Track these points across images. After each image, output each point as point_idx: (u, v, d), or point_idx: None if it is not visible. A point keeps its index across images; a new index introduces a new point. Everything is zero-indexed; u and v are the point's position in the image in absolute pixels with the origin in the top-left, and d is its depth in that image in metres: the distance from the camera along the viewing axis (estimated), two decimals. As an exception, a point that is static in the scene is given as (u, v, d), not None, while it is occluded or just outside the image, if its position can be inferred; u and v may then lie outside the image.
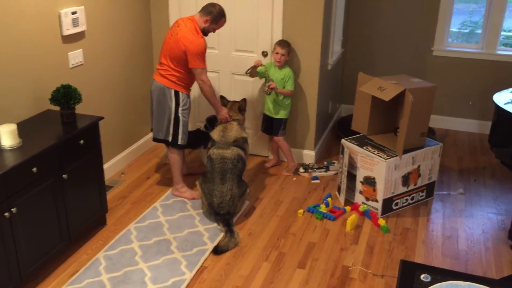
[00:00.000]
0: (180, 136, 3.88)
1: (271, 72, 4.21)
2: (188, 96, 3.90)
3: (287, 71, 4.22)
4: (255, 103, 4.60)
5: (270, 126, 4.40)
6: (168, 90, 3.79)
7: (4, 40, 3.07)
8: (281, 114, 4.32)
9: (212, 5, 3.76)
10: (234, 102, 4.08)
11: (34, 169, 2.83)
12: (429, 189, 4.07)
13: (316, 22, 4.19)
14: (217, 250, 3.38)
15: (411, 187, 3.92)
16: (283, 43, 4.16)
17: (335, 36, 4.76)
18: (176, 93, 3.80)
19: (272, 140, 4.55)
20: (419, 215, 3.89)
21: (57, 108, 3.32)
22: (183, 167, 4.14)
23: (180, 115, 3.84)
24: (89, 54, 3.86)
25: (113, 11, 4.08)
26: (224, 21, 3.83)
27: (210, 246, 3.42)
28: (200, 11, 3.78)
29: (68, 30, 3.56)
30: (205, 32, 3.79)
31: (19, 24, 3.17)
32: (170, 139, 3.88)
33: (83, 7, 3.69)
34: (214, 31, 3.85)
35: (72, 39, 3.65)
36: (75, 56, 3.71)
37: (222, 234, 3.54)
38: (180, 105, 3.82)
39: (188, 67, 3.71)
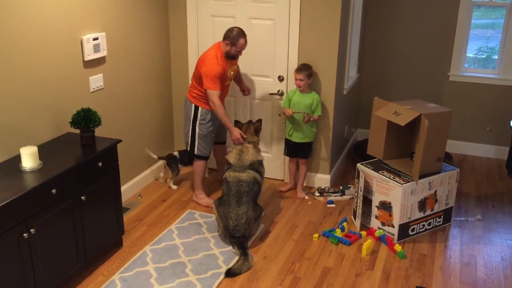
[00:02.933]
0: (196, 147, 4.15)
1: (296, 98, 4.23)
2: (211, 111, 4.05)
3: (314, 96, 4.24)
4: (271, 127, 4.64)
5: (295, 150, 4.41)
6: (190, 104, 4.11)
7: (28, 64, 3.18)
8: (309, 138, 4.35)
9: (230, 29, 3.92)
10: (249, 123, 4.11)
11: (54, 191, 2.89)
12: (446, 214, 4.02)
13: (332, 47, 4.24)
14: (229, 273, 3.38)
15: (428, 212, 3.88)
16: (299, 68, 4.20)
17: (350, 61, 4.81)
18: (196, 107, 4.07)
19: (291, 164, 4.55)
20: (436, 241, 3.85)
21: (77, 131, 3.39)
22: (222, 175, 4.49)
23: (197, 127, 4.10)
24: (109, 79, 3.96)
25: (133, 37, 4.19)
26: (244, 42, 3.93)
27: (225, 270, 3.42)
28: (223, 37, 3.95)
29: (90, 55, 3.67)
30: (230, 56, 3.97)
31: (43, 49, 3.28)
32: (189, 148, 4.20)
33: (104, 33, 3.80)
34: (238, 52, 3.98)
35: (93, 64, 3.75)
36: (96, 80, 3.81)
37: (237, 258, 3.54)
38: (198, 118, 4.08)
39: None
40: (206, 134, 4.13)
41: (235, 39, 3.88)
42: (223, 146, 4.54)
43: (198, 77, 3.99)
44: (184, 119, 4.29)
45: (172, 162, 4.54)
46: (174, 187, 4.60)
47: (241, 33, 3.90)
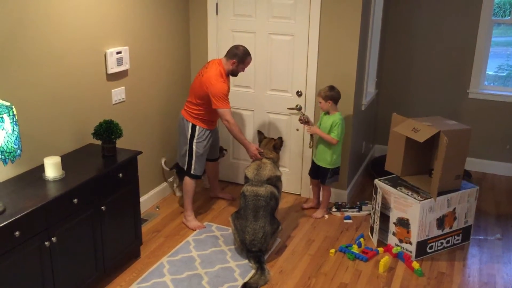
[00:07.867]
0: (193, 167, 4.08)
1: (323, 118, 4.22)
2: (208, 130, 4.06)
3: (335, 118, 4.11)
4: (289, 141, 4.65)
5: (316, 171, 4.37)
6: (187, 123, 4.04)
7: (53, 76, 3.26)
8: (324, 163, 4.24)
9: (236, 47, 3.94)
10: (270, 139, 4.13)
11: (75, 200, 2.94)
12: (465, 233, 3.98)
13: (351, 63, 4.26)
14: (246, 287, 3.37)
15: (447, 230, 3.85)
16: (318, 92, 4.19)
17: (369, 77, 4.82)
18: (193, 126, 4.02)
19: (313, 184, 4.51)
20: (455, 259, 3.80)
21: (99, 142, 3.46)
22: (216, 191, 4.69)
23: (194, 146, 4.04)
24: (131, 92, 4.04)
25: (155, 51, 4.27)
26: (250, 59, 4.00)
27: (241, 283, 3.42)
28: (226, 55, 3.96)
29: (113, 68, 3.75)
30: (234, 73, 4.01)
31: (68, 61, 3.36)
32: (185, 167, 4.12)
33: (127, 47, 3.88)
34: (243, 70, 4.03)
35: (116, 77, 3.83)
36: (118, 93, 3.88)
37: (253, 271, 3.55)
38: (195, 137, 4.03)
39: (210, 106, 3.88)
40: (202, 153, 4.07)
41: (243, 57, 3.92)
42: (215, 163, 4.53)
43: (199, 97, 3.92)
44: (178, 137, 4.20)
45: (180, 170, 4.55)
46: (179, 194, 4.65)
47: (247, 51, 3.95)
